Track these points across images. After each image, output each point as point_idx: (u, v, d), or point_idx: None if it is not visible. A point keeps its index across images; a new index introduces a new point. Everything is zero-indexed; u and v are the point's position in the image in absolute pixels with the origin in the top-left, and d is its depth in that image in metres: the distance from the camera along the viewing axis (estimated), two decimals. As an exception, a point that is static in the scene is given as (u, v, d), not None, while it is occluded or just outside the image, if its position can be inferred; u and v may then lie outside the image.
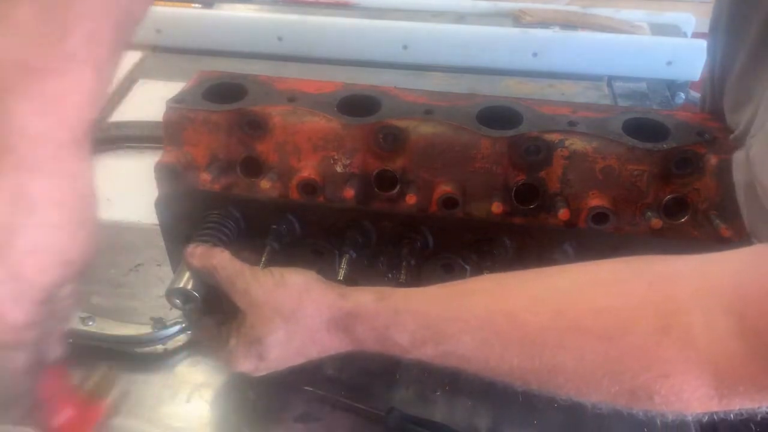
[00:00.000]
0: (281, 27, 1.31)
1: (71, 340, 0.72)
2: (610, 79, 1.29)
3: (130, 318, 0.78)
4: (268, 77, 0.75)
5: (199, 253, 0.64)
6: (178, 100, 0.70)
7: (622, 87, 1.27)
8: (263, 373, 0.61)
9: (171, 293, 0.64)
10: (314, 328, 0.58)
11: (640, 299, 0.49)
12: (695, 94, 1.26)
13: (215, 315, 0.64)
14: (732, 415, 0.48)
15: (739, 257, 0.47)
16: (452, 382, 0.72)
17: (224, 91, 0.72)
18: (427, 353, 0.56)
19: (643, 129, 0.67)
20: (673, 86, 1.28)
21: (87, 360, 0.73)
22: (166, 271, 0.84)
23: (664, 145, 0.64)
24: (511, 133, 0.66)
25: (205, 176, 0.69)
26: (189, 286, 0.63)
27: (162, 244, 0.88)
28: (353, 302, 0.58)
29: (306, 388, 0.71)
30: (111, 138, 1.08)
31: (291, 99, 0.71)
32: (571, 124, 0.67)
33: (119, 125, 1.12)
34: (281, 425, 0.68)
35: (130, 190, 0.98)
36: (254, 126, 0.69)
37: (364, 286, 0.72)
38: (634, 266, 0.53)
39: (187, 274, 0.64)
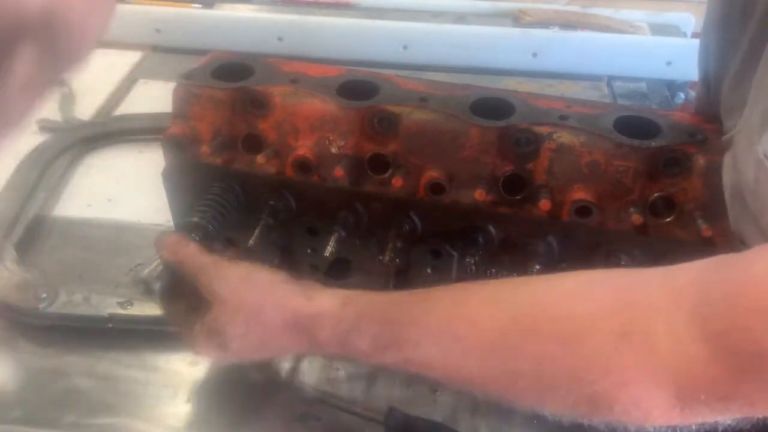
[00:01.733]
0: (281, 27, 1.31)
1: (111, 326, 0.74)
2: (610, 79, 1.29)
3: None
4: (277, 59, 0.78)
5: (168, 243, 0.65)
6: (187, 76, 0.74)
7: (622, 87, 1.27)
8: (226, 362, 0.63)
9: (137, 281, 0.65)
10: (275, 327, 0.59)
11: (602, 305, 0.48)
12: (695, 95, 1.26)
13: (185, 299, 0.65)
14: (694, 427, 0.46)
15: (703, 265, 0.46)
16: (452, 382, 0.73)
17: (232, 71, 0.75)
18: (389, 359, 0.56)
19: (635, 127, 0.67)
20: (672, 86, 1.28)
21: (126, 343, 0.74)
22: (166, 271, 0.84)
23: (653, 143, 0.65)
24: (500, 123, 0.67)
25: (206, 149, 0.71)
26: (154, 275, 0.64)
27: (162, 244, 0.88)
28: (317, 306, 0.59)
29: (306, 388, 0.71)
30: (110, 132, 1.08)
31: (294, 80, 0.73)
32: (563, 118, 0.68)
33: (118, 119, 1.12)
34: (281, 425, 0.68)
35: (130, 191, 0.98)
36: (257, 104, 0.71)
37: (355, 268, 0.74)
38: (600, 276, 0.52)
39: (156, 261, 0.65)
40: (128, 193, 0.98)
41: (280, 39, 1.31)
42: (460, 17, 1.41)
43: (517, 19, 1.38)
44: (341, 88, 0.72)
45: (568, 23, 1.35)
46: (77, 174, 1.01)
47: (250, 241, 0.71)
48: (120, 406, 0.69)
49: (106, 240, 0.89)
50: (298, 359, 0.74)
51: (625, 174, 0.65)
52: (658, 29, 1.37)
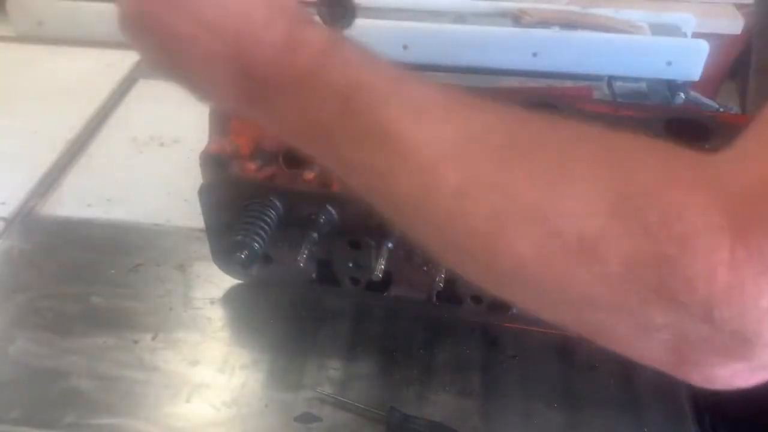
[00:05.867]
0: (281, 27, 1.31)
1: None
2: (610, 79, 1.29)
3: (130, 319, 0.78)
4: None
5: None
6: None
7: (622, 87, 1.27)
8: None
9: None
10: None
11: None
12: (695, 95, 1.26)
13: None
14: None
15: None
16: (452, 382, 0.72)
17: None
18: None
19: (685, 130, 0.66)
20: (673, 86, 1.28)
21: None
22: (166, 270, 0.84)
23: (707, 146, 0.64)
24: None
25: (251, 165, 0.71)
26: None
27: (162, 244, 0.88)
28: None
29: (306, 388, 0.71)
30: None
31: None
32: (613, 122, 0.67)
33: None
34: (281, 425, 0.68)
35: (130, 191, 0.98)
36: None
37: (396, 280, 0.71)
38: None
39: None
40: (128, 193, 0.98)
41: (280, 39, 1.31)
42: (460, 17, 1.41)
43: (517, 19, 1.38)
44: None
45: (569, 23, 1.35)
46: (77, 174, 1.01)
47: (299, 258, 0.71)
48: (120, 406, 0.69)
49: (106, 240, 0.89)
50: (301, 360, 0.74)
51: None
52: (658, 29, 1.37)
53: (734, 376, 0.38)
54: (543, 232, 0.37)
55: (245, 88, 0.46)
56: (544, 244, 0.37)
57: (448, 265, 0.44)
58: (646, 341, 0.38)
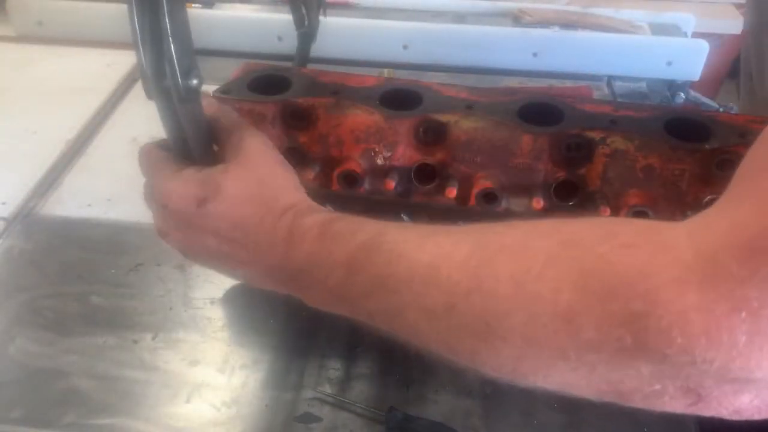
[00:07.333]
0: (281, 27, 1.31)
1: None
2: (610, 79, 1.29)
3: (130, 319, 0.78)
4: (311, 69, 0.77)
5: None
6: (224, 90, 0.73)
7: (622, 87, 1.27)
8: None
9: None
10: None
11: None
12: (695, 95, 1.26)
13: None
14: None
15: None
16: (452, 382, 0.72)
17: (268, 83, 0.74)
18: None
19: (684, 129, 0.67)
20: (673, 86, 1.28)
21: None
22: (166, 270, 0.84)
23: (707, 146, 0.64)
24: (552, 129, 0.66)
25: None
26: None
27: (162, 244, 0.88)
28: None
29: (306, 388, 0.71)
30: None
31: (335, 92, 0.72)
32: (613, 122, 0.67)
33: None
34: (281, 425, 0.68)
35: (130, 191, 0.98)
36: (298, 117, 0.70)
37: None
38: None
39: None
40: (128, 193, 0.98)
41: (280, 39, 1.31)
42: (460, 17, 1.41)
43: (517, 19, 1.38)
44: (383, 97, 0.71)
45: (569, 23, 1.35)
46: (77, 174, 1.01)
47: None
48: (120, 406, 0.69)
49: (106, 240, 0.89)
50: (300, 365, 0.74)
51: (681, 177, 0.64)
52: (658, 29, 1.37)
53: (758, 397, 0.39)
54: (524, 318, 0.41)
55: (272, 277, 0.59)
56: (531, 328, 0.41)
57: (471, 367, 0.50)
58: (656, 391, 0.40)
